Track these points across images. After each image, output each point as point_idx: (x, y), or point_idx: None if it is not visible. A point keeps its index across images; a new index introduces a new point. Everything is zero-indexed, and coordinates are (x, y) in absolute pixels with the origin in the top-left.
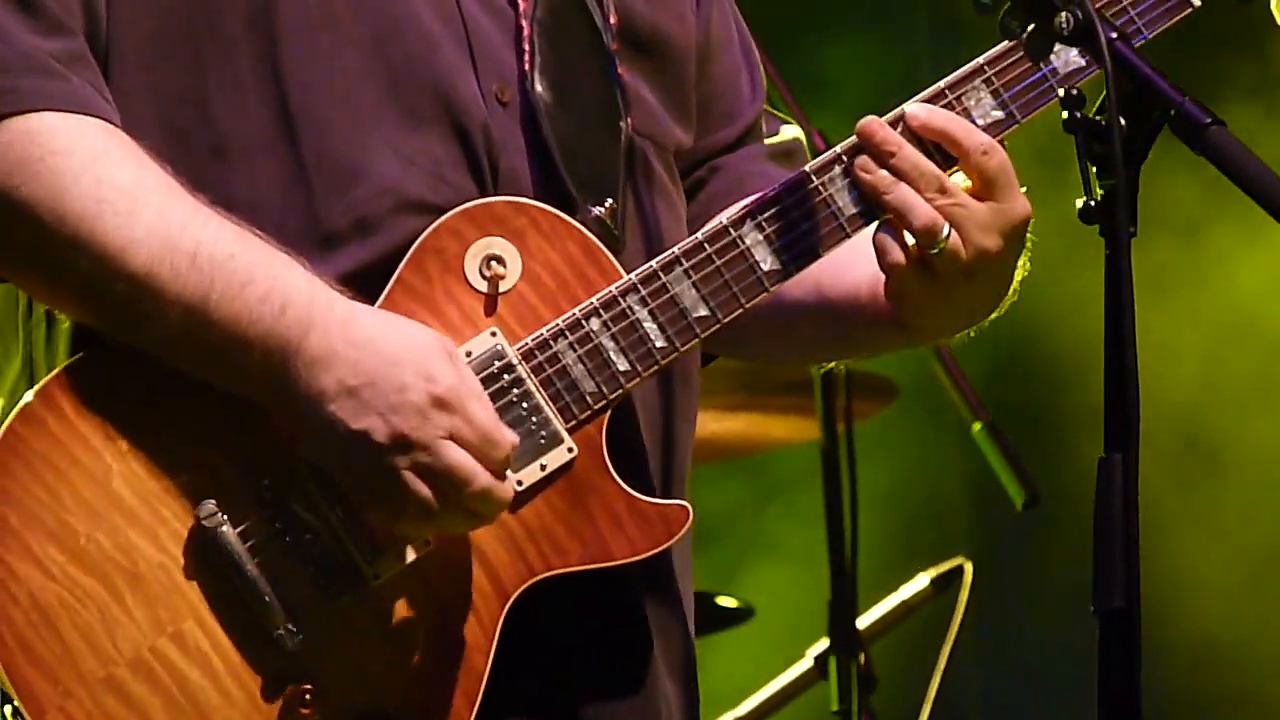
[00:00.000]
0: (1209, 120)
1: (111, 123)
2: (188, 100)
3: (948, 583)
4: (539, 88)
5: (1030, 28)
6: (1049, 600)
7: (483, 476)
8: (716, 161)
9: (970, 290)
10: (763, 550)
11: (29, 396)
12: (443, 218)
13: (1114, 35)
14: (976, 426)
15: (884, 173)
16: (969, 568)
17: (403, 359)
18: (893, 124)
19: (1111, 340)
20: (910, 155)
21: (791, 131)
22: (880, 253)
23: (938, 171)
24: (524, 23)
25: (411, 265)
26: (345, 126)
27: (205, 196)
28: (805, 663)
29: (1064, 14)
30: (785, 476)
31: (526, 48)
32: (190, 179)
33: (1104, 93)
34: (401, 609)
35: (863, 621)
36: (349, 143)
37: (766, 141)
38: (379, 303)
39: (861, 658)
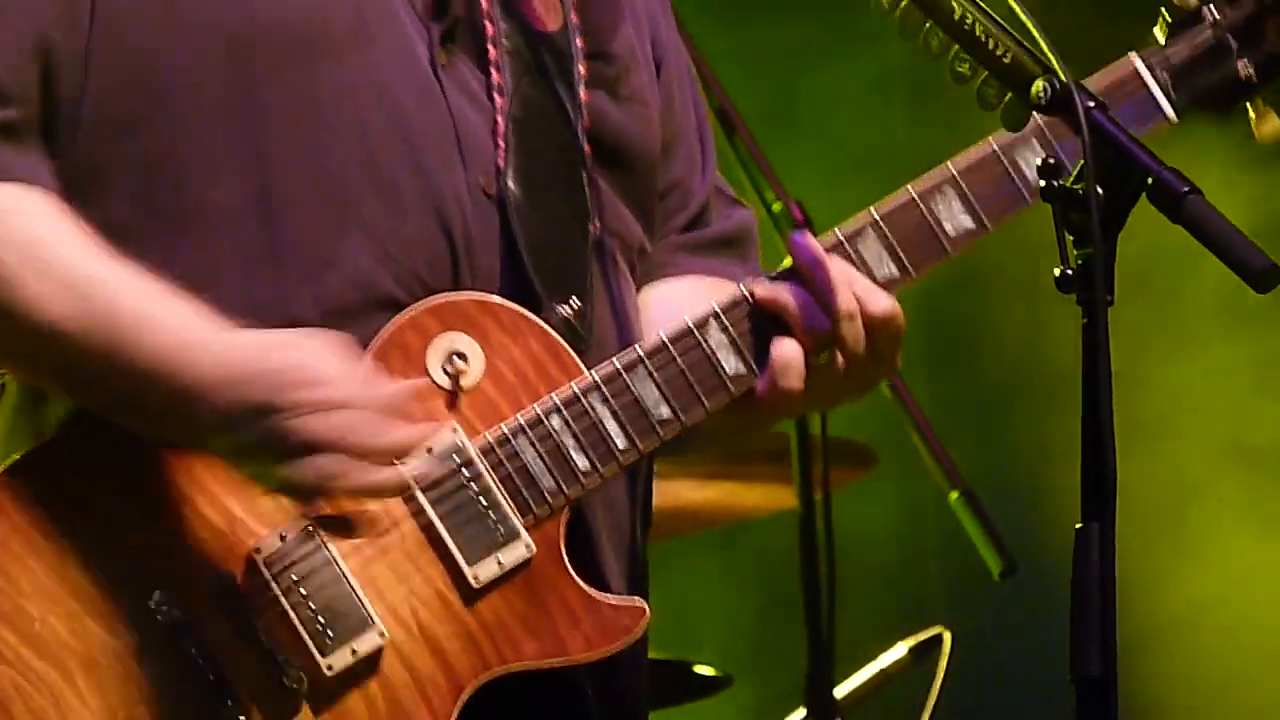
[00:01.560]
0: (1186, 189)
1: (29, 182)
2: (161, 166)
3: (926, 651)
4: (511, 184)
5: (1007, 97)
6: (1028, 669)
7: (362, 422)
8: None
9: (837, 390)
10: (740, 618)
11: None
12: (406, 312)
13: (1091, 104)
14: (954, 495)
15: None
16: (948, 636)
17: (267, 349)
18: (830, 245)
19: (1088, 409)
20: (831, 272)
21: (740, 218)
22: (782, 362)
23: (850, 297)
24: (499, 119)
25: (374, 358)
26: (324, 211)
27: (173, 264)
28: None
29: (1041, 82)
30: (762, 544)
31: (501, 143)
32: (159, 249)
33: (1081, 162)
34: (354, 700)
35: (840, 690)
36: (326, 229)
37: (705, 230)
38: None
39: None
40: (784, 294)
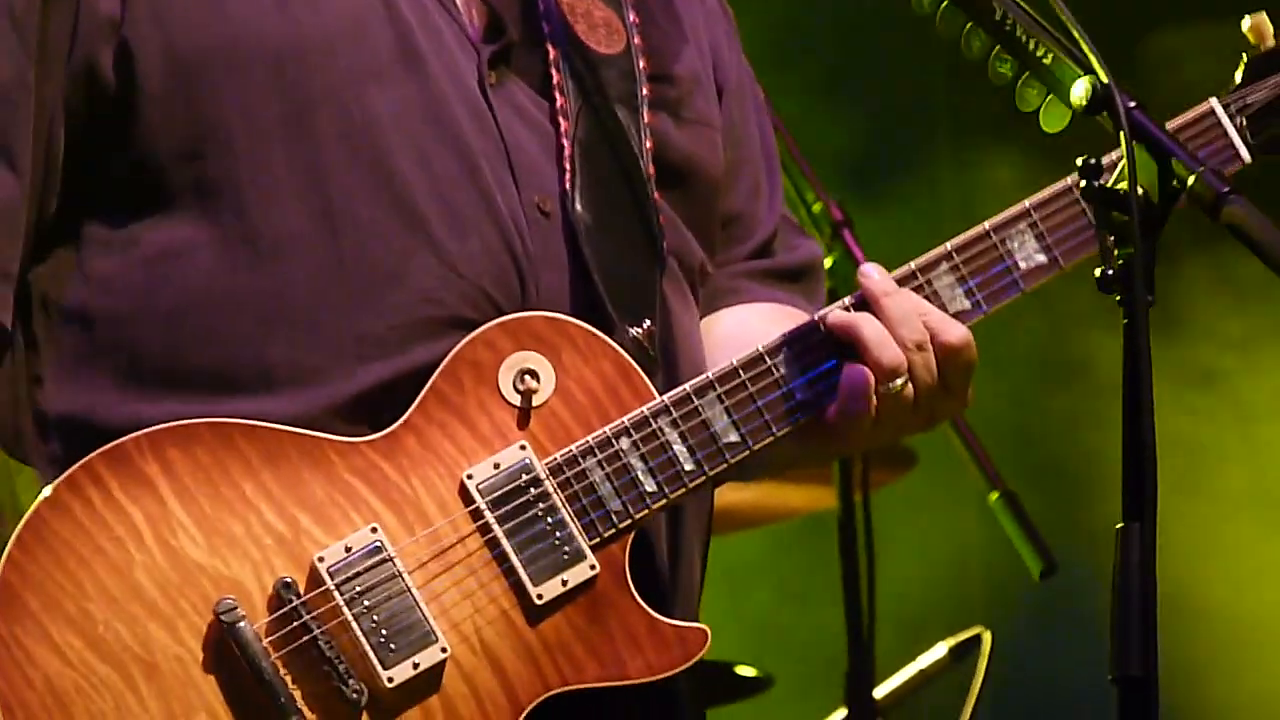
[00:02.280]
0: (1227, 190)
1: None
2: (222, 195)
3: (966, 652)
4: (579, 207)
5: (1048, 98)
6: (1068, 669)
7: None
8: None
9: (905, 421)
10: (781, 619)
11: (54, 484)
12: (480, 329)
13: (1133, 104)
14: (993, 496)
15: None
16: (988, 637)
17: None
18: (903, 276)
19: (1129, 409)
20: (900, 301)
21: (808, 251)
22: (851, 389)
23: (921, 327)
24: (565, 141)
25: (446, 374)
26: (388, 229)
27: (241, 285)
28: None
29: (1083, 83)
30: (803, 545)
31: (568, 166)
32: (228, 273)
33: (1122, 162)
34: (413, 714)
35: (880, 691)
36: (391, 247)
37: (774, 260)
38: (411, 411)
39: None
40: (857, 323)
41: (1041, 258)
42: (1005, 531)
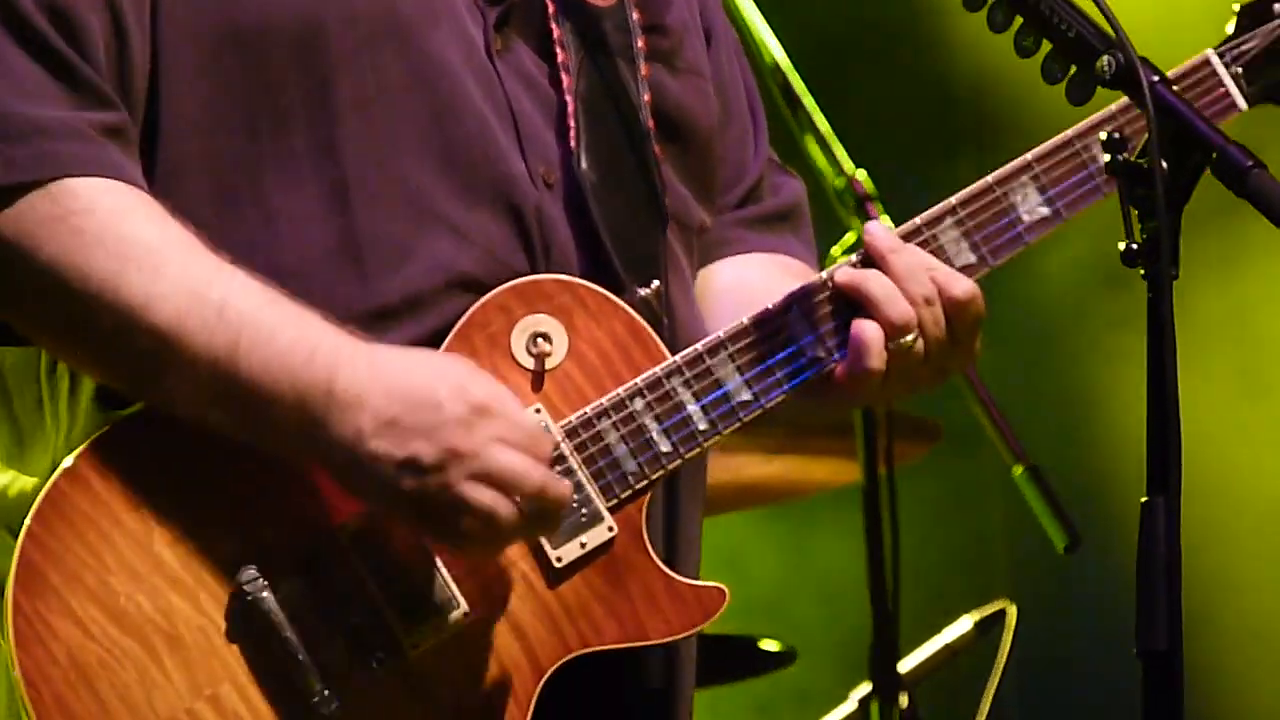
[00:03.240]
0: (1251, 163)
1: (135, 184)
2: (240, 166)
3: (991, 625)
4: (584, 165)
5: (1071, 71)
6: (1093, 643)
7: (537, 469)
8: None
9: (916, 375)
10: (805, 593)
11: (73, 457)
12: (491, 293)
13: (1156, 79)
14: (1018, 470)
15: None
16: (1012, 610)
17: (432, 379)
18: (909, 232)
19: (1153, 382)
20: (907, 257)
21: (791, 191)
22: (860, 346)
23: (929, 282)
24: (568, 98)
25: (458, 339)
26: (400, 202)
27: (254, 262)
28: (848, 706)
29: (1106, 57)
30: (827, 519)
31: (571, 124)
32: (241, 244)
33: (1146, 136)
34: (437, 680)
35: (905, 665)
36: (403, 218)
37: (761, 205)
38: None
39: (904, 701)
40: (865, 280)
41: (1045, 210)
42: (1030, 505)
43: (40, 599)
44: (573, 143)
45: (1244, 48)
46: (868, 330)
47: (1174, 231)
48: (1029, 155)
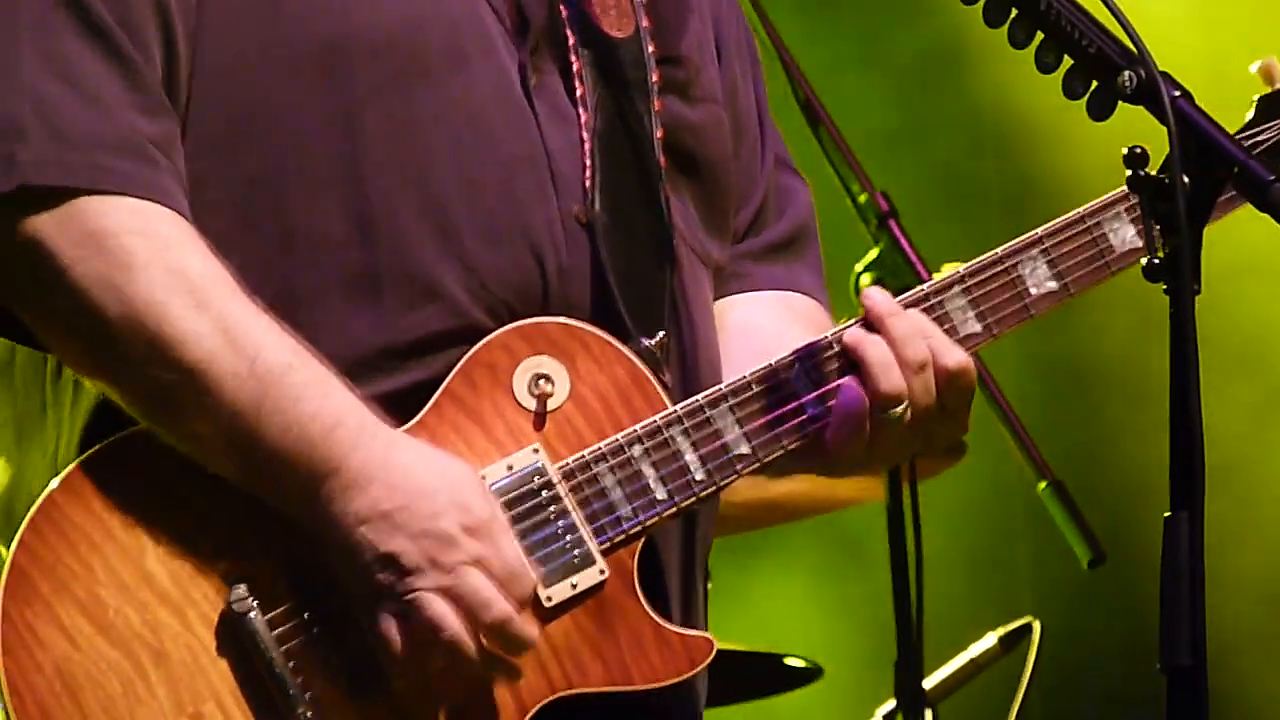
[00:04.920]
0: (1272, 178)
1: (184, 216)
2: (262, 183)
3: (1016, 641)
4: (598, 208)
5: (1093, 86)
6: (1117, 658)
7: (501, 603)
8: None
9: (905, 444)
10: (830, 610)
11: (70, 468)
12: (495, 333)
13: (1177, 93)
14: (1041, 486)
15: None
16: (1037, 626)
17: (438, 487)
18: (916, 299)
19: (1176, 397)
20: (905, 322)
21: (794, 214)
22: (845, 413)
23: (924, 350)
24: (584, 135)
25: (460, 376)
26: (423, 238)
27: (270, 282)
28: None
29: (1127, 73)
30: (852, 536)
31: (587, 163)
32: (256, 263)
33: (1168, 151)
34: (421, 713)
35: (930, 681)
36: (425, 257)
37: (769, 231)
38: (425, 411)
39: (929, 717)
40: (864, 344)
41: (1052, 284)
42: (1054, 520)
43: (29, 607)
44: (586, 183)
45: (1259, 138)
46: (852, 399)
47: (1195, 247)
48: (1040, 230)
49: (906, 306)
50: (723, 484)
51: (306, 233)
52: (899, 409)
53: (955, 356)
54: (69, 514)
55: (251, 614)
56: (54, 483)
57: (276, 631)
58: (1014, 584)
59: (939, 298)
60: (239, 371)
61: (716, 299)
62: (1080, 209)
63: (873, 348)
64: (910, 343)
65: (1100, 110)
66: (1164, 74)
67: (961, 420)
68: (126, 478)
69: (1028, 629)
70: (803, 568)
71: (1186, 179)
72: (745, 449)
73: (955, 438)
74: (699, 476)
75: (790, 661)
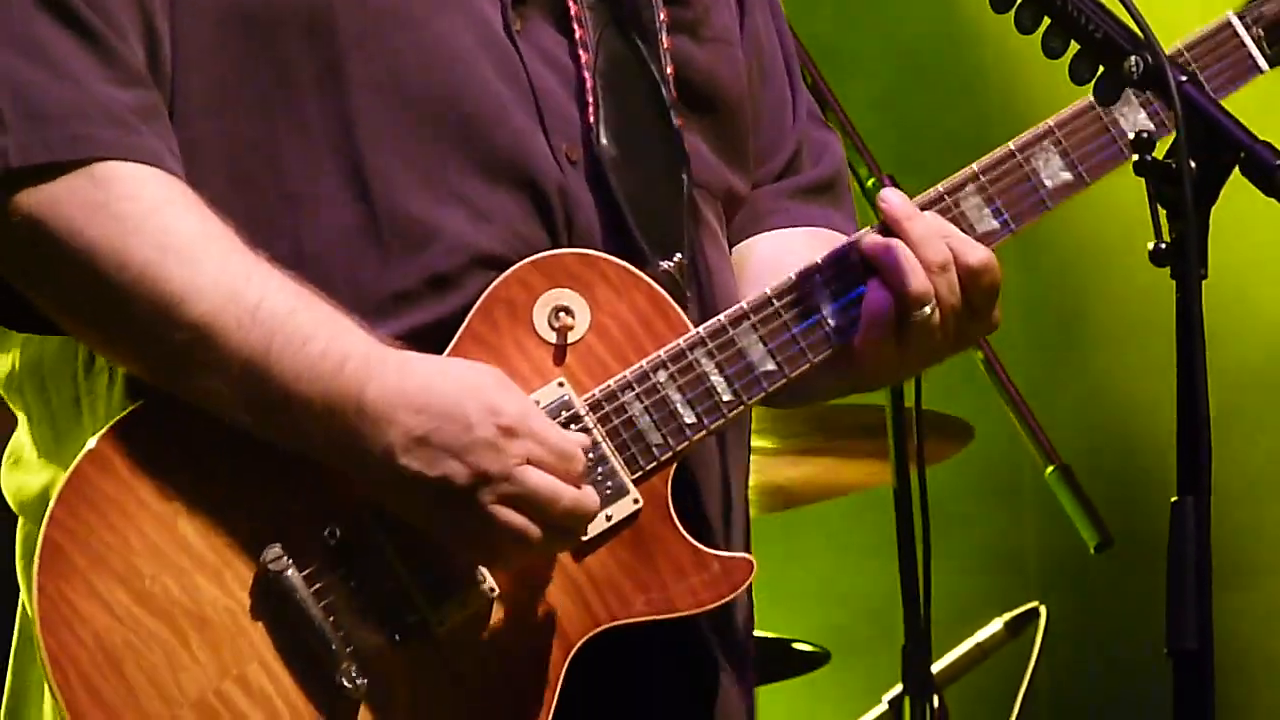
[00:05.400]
0: (1279, 161)
1: (176, 176)
2: (256, 146)
3: (1022, 625)
4: (605, 141)
5: (1099, 72)
6: (1124, 642)
7: (567, 492)
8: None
9: (935, 346)
10: (837, 594)
11: (96, 439)
12: (512, 268)
13: (1184, 79)
14: (1049, 470)
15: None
16: (1044, 610)
17: (462, 397)
18: (931, 200)
19: (1183, 382)
20: (923, 224)
21: (831, 160)
22: (873, 317)
23: (944, 250)
24: (586, 74)
25: (480, 315)
26: (419, 184)
27: (274, 245)
28: (880, 707)
29: (1133, 58)
30: (859, 520)
31: (590, 100)
32: (258, 226)
33: (1174, 136)
34: (465, 657)
35: (937, 665)
36: (422, 200)
37: (802, 175)
38: (448, 351)
39: (936, 701)
40: (886, 247)
41: (1067, 175)
42: (1061, 505)
43: (65, 582)
44: (591, 118)
45: (1264, 9)
46: (880, 301)
47: (1202, 232)
48: (1050, 121)
49: (922, 209)
50: (751, 402)
51: (304, 191)
52: (926, 309)
53: (977, 254)
54: (99, 485)
55: (288, 572)
56: (81, 455)
57: (314, 588)
58: (1021, 568)
59: (954, 196)
60: (243, 321)
61: (747, 236)
62: (1088, 97)
63: (894, 251)
64: (930, 243)
65: (1107, 95)
66: (1171, 59)
67: (989, 317)
68: (152, 445)
69: (1035, 613)
70: (809, 553)
71: (1193, 164)
72: (771, 365)
73: (984, 335)
74: (726, 397)
75: (797, 645)
